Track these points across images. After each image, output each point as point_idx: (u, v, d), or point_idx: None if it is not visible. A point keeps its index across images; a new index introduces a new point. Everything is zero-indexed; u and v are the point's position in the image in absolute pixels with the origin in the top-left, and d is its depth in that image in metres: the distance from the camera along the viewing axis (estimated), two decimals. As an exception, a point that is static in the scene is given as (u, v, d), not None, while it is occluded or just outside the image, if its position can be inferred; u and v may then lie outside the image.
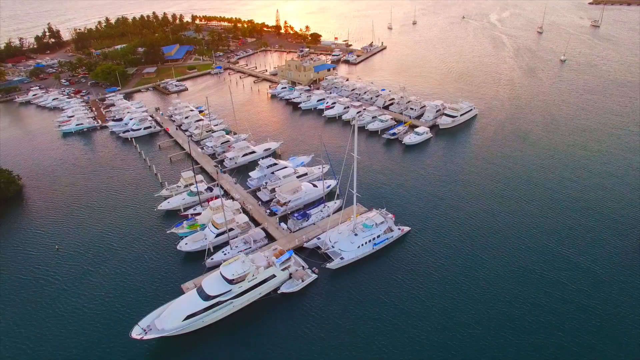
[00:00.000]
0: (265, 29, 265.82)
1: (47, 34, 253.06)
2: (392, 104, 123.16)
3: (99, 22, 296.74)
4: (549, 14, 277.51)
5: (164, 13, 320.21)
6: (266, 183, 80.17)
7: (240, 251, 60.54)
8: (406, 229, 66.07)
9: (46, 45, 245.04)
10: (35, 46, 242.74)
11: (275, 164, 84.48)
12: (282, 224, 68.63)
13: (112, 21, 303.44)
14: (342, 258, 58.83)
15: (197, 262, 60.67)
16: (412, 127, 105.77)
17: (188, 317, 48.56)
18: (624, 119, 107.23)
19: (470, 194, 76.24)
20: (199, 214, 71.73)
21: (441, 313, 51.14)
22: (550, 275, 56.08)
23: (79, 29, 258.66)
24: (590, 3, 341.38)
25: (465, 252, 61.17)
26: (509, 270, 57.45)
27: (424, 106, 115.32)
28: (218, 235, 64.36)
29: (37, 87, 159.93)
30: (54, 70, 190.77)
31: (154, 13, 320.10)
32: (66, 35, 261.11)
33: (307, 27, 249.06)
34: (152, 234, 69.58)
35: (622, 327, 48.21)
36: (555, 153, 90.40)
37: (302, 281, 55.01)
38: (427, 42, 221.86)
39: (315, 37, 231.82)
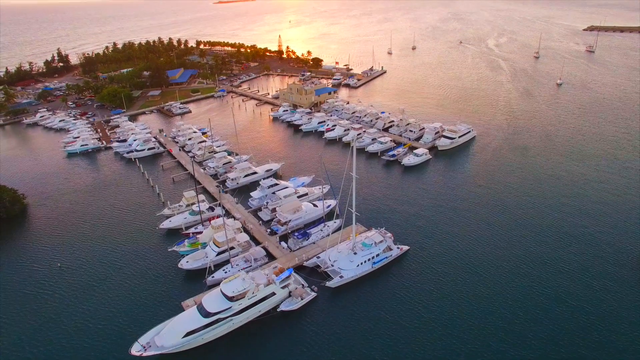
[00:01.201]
0: (267, 53, 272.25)
1: (57, 58, 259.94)
2: (391, 126, 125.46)
3: (107, 47, 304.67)
4: (545, 40, 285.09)
5: (170, 38, 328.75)
6: (267, 203, 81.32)
7: (241, 269, 61.10)
8: (405, 248, 66.77)
9: (55, 69, 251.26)
10: (44, 70, 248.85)
11: (276, 184, 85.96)
12: (283, 243, 69.42)
13: (119, 46, 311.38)
14: (341, 276, 59.36)
15: (197, 280, 61.24)
16: (412, 148, 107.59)
17: (188, 334, 48.87)
18: (621, 142, 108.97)
19: (468, 215, 77.12)
20: (200, 232, 72.61)
21: (441, 330, 51.38)
22: (548, 292, 56.51)
23: (87, 54, 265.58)
24: (584, 29, 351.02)
25: (464, 271, 61.68)
26: (507, 289, 57.88)
27: (423, 128, 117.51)
28: (219, 253, 65.09)
29: (45, 109, 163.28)
30: (61, 93, 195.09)
31: (159, 38, 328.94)
32: (74, 60, 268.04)
33: (308, 52, 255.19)
34: (153, 252, 70.32)
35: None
36: (553, 175, 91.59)
37: (302, 299, 55.42)
38: (426, 66, 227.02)
39: (317, 62, 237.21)
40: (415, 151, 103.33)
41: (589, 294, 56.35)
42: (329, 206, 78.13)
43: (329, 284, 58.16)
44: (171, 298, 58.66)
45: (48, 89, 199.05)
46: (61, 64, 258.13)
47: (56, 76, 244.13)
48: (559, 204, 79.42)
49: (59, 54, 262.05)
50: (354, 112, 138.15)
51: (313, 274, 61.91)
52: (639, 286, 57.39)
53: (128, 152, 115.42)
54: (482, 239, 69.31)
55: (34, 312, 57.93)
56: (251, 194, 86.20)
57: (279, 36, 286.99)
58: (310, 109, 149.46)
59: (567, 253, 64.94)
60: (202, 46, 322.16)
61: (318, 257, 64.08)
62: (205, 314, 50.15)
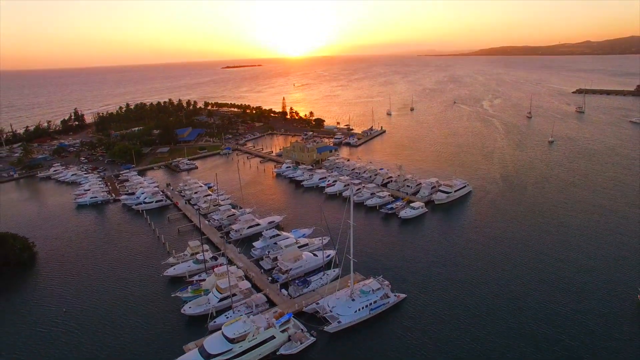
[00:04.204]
0: (272, 114, 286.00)
1: (73, 117, 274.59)
2: (389, 181, 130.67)
3: (120, 107, 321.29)
4: (537, 101, 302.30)
5: (180, 99, 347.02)
6: (269, 252, 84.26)
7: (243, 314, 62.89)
8: (402, 296, 68.76)
9: (70, 128, 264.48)
10: (60, 128, 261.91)
11: (278, 235, 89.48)
12: (283, 290, 71.58)
13: (132, 106, 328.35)
14: (339, 322, 61.06)
15: (200, 325, 62.93)
16: (409, 202, 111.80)
17: (189, 376, 50.08)
18: (614, 196, 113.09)
19: (463, 265, 79.53)
20: (203, 280, 74.97)
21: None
22: (545, 341, 57.69)
23: (101, 113, 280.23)
24: (573, 92, 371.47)
25: (459, 320, 63.23)
26: (503, 338, 59.09)
27: (420, 183, 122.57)
28: (221, 299, 67.16)
29: (59, 164, 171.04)
30: (75, 149, 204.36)
31: (170, 99, 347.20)
32: (89, 119, 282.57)
33: (311, 113, 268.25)
34: (157, 298, 72.37)
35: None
36: (546, 230, 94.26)
37: (301, 343, 56.84)
38: (423, 125, 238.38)
39: (319, 122, 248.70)
40: (411, 204, 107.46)
41: (585, 339, 57.56)
42: (328, 256, 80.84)
43: (327, 328, 59.77)
44: (173, 342, 60.00)
45: (63, 146, 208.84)
46: (76, 123, 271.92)
47: (71, 134, 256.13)
48: (553, 255, 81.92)
49: (76, 113, 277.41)
50: (353, 169, 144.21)
51: (312, 320, 63.53)
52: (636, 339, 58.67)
53: (136, 205, 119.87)
54: (477, 289, 71.27)
55: (39, 355, 59.12)
56: (254, 244, 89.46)
57: (283, 98, 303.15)
58: (312, 165, 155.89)
59: (561, 301, 66.63)
60: (209, 107, 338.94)
61: (317, 304, 65.98)
62: (206, 355, 51.65)
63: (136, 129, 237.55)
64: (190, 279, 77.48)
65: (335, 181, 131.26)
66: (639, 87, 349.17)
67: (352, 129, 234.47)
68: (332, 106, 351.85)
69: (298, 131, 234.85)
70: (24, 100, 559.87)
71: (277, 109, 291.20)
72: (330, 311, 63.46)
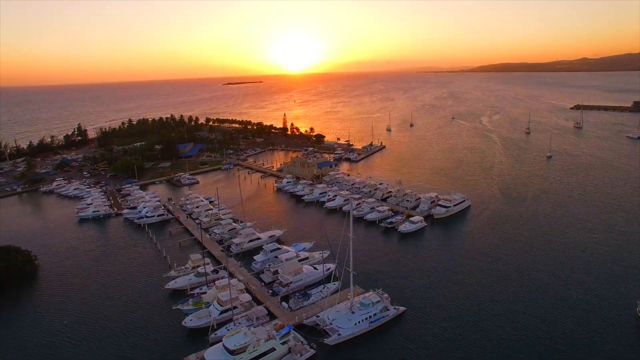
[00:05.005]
0: (273, 130, 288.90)
1: (76, 132, 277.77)
2: (389, 196, 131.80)
3: (122, 123, 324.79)
4: (536, 116, 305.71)
5: (181, 115, 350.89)
6: (269, 265, 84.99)
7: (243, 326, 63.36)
8: (402, 308, 69.30)
9: (73, 142, 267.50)
10: (63, 143, 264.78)
11: (279, 249, 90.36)
12: (284, 303, 72.15)
13: (134, 122, 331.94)
14: (339, 334, 61.55)
15: (200, 338, 63.29)
16: (409, 217, 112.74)
17: (190, 387, 50.44)
18: (612, 211, 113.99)
19: (462, 278, 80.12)
20: (204, 292, 75.57)
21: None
22: (545, 354, 58.07)
23: (104, 128, 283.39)
24: (571, 108, 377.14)
25: (458, 333, 63.64)
26: (503, 352, 59.37)
27: (419, 198, 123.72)
28: (222, 312, 67.71)
29: (61, 178, 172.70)
30: (77, 164, 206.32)
31: (171, 115, 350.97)
32: (92, 134, 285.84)
33: (311, 129, 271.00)
34: (158, 310, 72.92)
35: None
36: (544, 245, 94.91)
37: (301, 355, 57.26)
38: (423, 141, 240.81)
39: (319, 138, 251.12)
40: (411, 219, 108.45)
41: (584, 352, 57.96)
42: (328, 269, 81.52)
43: (327, 341, 60.23)
44: (174, 354, 60.32)
45: (66, 160, 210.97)
46: (79, 138, 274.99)
47: (74, 149, 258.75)
48: (551, 269, 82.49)
49: (79, 128, 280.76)
50: (353, 184, 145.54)
51: (312, 333, 63.96)
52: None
53: (138, 219, 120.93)
54: (476, 302, 71.75)
55: (40, 368, 59.60)
56: (254, 257, 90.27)
57: (284, 114, 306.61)
58: (313, 180, 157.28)
59: (559, 315, 67.10)
60: (211, 123, 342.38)
61: (317, 316, 66.45)
62: (207, 367, 52.09)
63: (138, 144, 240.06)
64: (192, 292, 78.07)
65: (336, 196, 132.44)
66: (636, 103, 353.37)
67: (352, 145, 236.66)
68: (333, 122, 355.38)
69: (298, 147, 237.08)
70: (29, 115, 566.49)
71: (278, 124, 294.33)
72: (330, 324, 63.96)
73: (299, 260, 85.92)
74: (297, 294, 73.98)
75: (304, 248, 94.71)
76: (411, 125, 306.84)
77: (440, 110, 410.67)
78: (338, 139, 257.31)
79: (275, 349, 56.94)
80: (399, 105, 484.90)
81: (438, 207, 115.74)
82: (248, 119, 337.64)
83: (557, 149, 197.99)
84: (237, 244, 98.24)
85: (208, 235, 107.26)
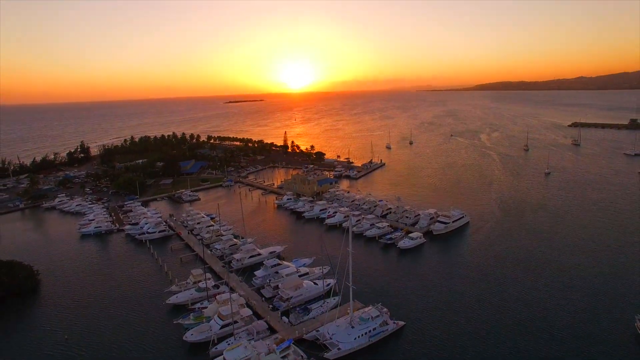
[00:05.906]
0: (273, 147, 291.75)
1: (79, 149, 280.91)
2: (389, 213, 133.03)
3: (125, 140, 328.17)
4: (534, 133, 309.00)
5: (183, 133, 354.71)
6: (270, 280, 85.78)
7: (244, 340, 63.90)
8: (401, 323, 69.90)
9: (76, 159, 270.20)
10: (65, 160, 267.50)
11: (279, 264, 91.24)
12: (284, 318, 72.77)
13: (136, 139, 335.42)
14: (339, 348, 62.08)
15: (201, 352, 63.86)
16: (408, 233, 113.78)
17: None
18: (610, 226, 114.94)
19: (461, 294, 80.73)
20: (205, 307, 76.19)
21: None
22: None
23: (107, 146, 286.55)
24: (569, 125, 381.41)
25: (457, 347, 64.16)
26: (499, 363, 60.06)
27: (418, 214, 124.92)
28: (223, 326, 68.30)
29: (64, 195, 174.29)
30: (80, 181, 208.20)
31: (173, 133, 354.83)
32: (95, 151, 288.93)
33: (312, 147, 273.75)
34: (159, 325, 73.45)
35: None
36: (543, 261, 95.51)
37: (301, 369, 57.73)
38: (422, 158, 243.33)
39: (320, 156, 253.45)
40: (410, 235, 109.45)
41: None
42: (328, 284, 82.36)
43: (327, 355, 60.73)
44: (175, 368, 60.92)
45: (68, 177, 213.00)
46: (82, 155, 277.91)
47: (76, 165, 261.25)
48: (550, 284, 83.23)
49: (82, 145, 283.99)
50: (353, 201, 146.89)
51: (312, 347, 64.44)
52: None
53: (140, 234, 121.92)
54: (475, 317, 72.33)
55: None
56: (255, 272, 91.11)
57: (285, 132, 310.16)
58: (313, 197, 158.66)
59: (559, 328, 67.67)
60: (212, 141, 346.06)
61: (317, 331, 67.08)
62: (208, 380, 52.56)
63: (140, 161, 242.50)
64: (193, 307, 78.64)
65: (336, 212, 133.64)
66: (632, 121, 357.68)
67: (352, 162, 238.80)
68: (333, 140, 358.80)
69: (299, 164, 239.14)
70: (33, 132, 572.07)
71: (279, 142, 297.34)
72: (330, 338, 64.53)
73: (299, 276, 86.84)
74: (298, 309, 74.69)
75: (304, 264, 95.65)
76: (410, 143, 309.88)
77: (439, 128, 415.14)
78: (338, 156, 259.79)
79: (275, 363, 57.47)
80: (399, 123, 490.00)
81: (437, 224, 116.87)
82: (250, 137, 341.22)
83: (555, 165, 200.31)
84: (238, 260, 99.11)
85: (209, 251, 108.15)
